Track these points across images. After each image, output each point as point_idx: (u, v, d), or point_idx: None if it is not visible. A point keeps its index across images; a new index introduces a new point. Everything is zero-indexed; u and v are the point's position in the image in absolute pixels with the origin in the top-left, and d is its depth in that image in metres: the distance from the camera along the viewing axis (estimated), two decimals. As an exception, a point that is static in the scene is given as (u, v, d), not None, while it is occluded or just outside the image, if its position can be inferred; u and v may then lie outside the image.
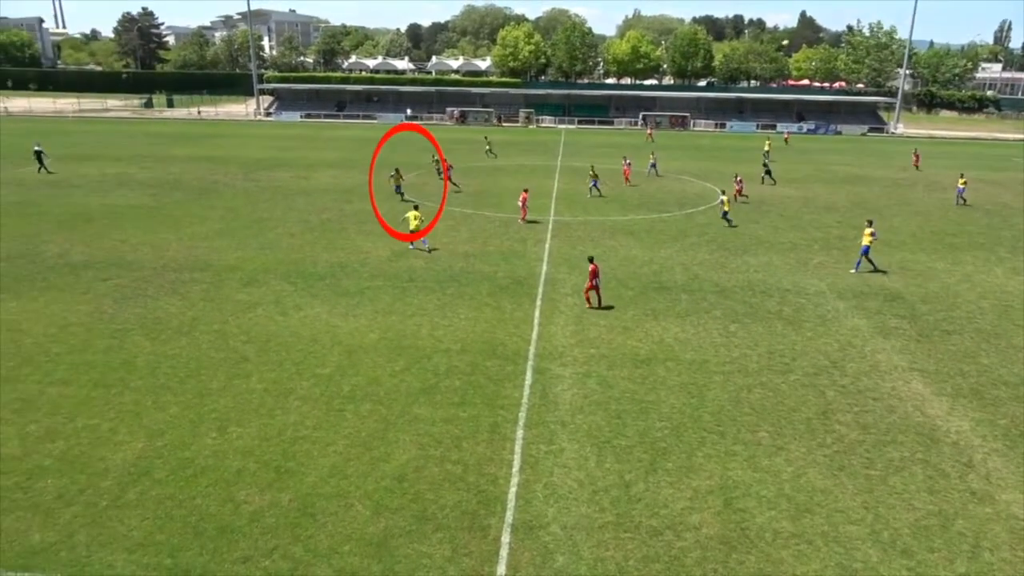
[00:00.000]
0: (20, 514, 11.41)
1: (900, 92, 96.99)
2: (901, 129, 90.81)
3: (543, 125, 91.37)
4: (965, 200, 39.89)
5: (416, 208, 28.47)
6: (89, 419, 14.38)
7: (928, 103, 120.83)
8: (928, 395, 16.26)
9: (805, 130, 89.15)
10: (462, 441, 13.83)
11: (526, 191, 33.25)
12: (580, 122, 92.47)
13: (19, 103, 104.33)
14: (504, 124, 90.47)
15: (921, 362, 18.10)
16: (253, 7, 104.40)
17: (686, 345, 18.81)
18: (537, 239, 29.95)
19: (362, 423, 14.44)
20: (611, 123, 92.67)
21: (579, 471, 12.90)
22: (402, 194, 38.05)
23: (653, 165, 48.64)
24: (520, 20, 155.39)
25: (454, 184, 41.44)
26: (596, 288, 21.34)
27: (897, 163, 58.78)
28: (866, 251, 25.75)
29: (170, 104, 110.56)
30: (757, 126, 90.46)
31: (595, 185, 40.05)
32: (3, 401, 15.07)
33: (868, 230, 25.81)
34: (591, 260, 21.32)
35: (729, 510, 11.88)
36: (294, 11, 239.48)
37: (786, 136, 74.42)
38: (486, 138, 60.54)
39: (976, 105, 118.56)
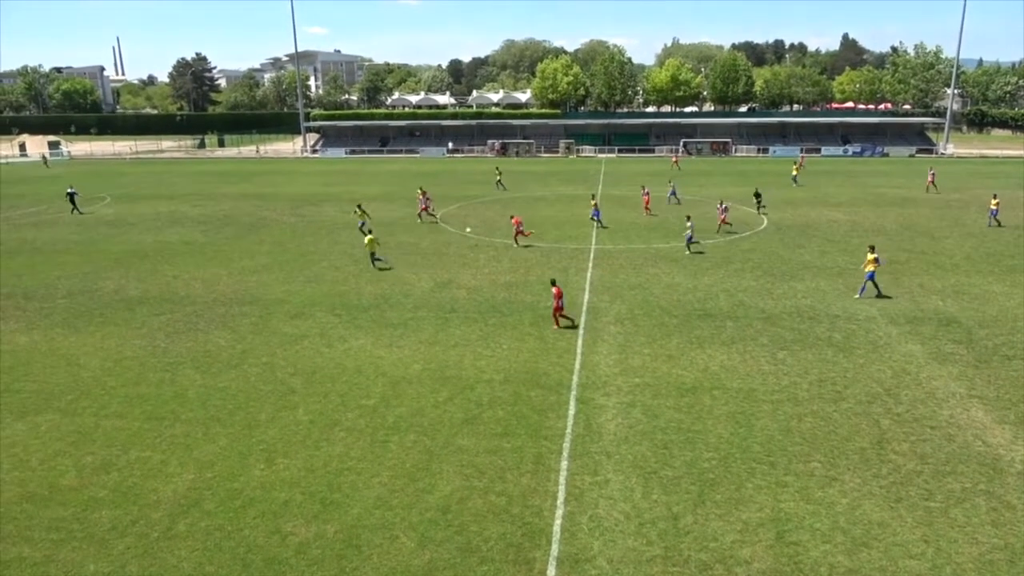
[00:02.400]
0: (76, 545, 11.69)
1: (949, 112, 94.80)
2: (951, 149, 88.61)
3: (583, 155, 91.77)
4: (999, 221, 38.54)
5: (370, 232, 31.25)
6: (142, 451, 14.74)
7: (979, 122, 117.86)
8: (989, 423, 15.61)
9: (850, 152, 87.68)
10: (506, 472, 13.75)
11: (513, 217, 35.13)
12: (620, 151, 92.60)
13: (81, 147, 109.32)
14: (542, 155, 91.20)
15: (980, 389, 17.41)
16: (300, 49, 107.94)
17: (733, 373, 18.46)
18: (579, 268, 29.91)
19: (406, 454, 14.49)
20: (652, 151, 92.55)
21: (625, 503, 12.68)
22: (362, 230, 36.49)
23: (673, 192, 48.16)
24: (559, 52, 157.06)
25: (431, 215, 41.98)
26: (561, 309, 21.91)
27: (948, 184, 57.24)
28: (871, 276, 24.98)
29: (221, 144, 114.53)
30: (801, 150, 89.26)
31: (596, 216, 38.83)
32: (62, 433, 15.57)
33: (871, 256, 24.93)
34: (553, 283, 22.20)
35: (781, 543, 11.52)
36: (339, 51, 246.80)
37: (801, 161, 69.24)
38: (497, 168, 60.88)
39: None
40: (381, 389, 17.68)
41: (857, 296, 25.05)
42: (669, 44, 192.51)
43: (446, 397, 17.16)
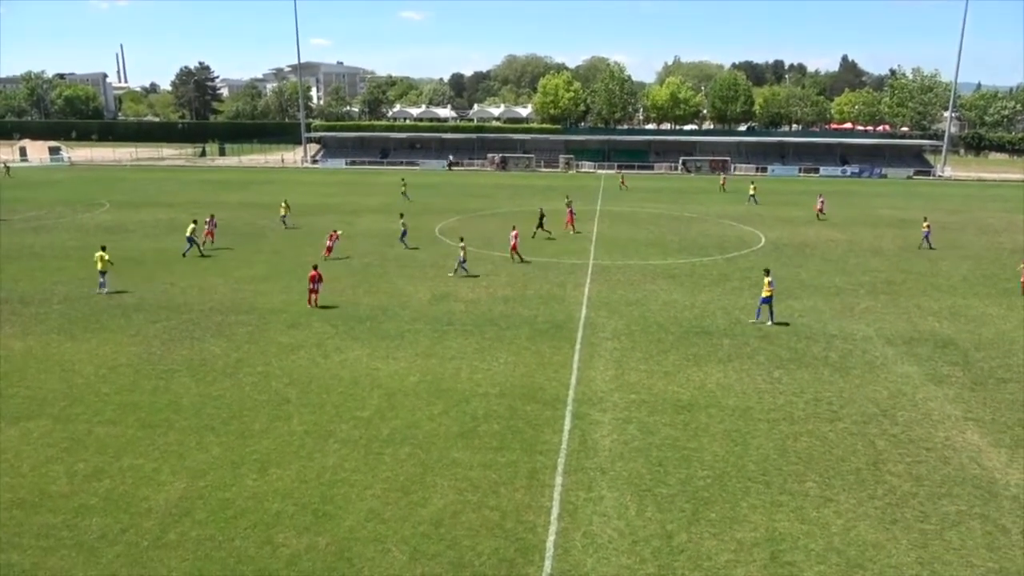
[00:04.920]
0: (64, 552, 11.59)
1: (947, 135, 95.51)
2: (949, 172, 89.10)
3: (583, 171, 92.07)
4: (930, 244, 38.66)
5: (103, 249, 28.27)
6: (134, 459, 14.65)
7: (976, 145, 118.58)
8: (984, 446, 15.59)
9: (848, 173, 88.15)
10: (500, 487, 13.68)
11: (335, 231, 36.35)
12: (620, 167, 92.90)
13: (81, 153, 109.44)
14: (542, 169, 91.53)
15: (976, 411, 17.40)
16: (303, 60, 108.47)
17: (729, 391, 18.43)
18: (576, 283, 29.93)
19: (400, 467, 14.42)
20: (651, 168, 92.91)
21: (619, 520, 12.62)
22: (195, 246, 35.14)
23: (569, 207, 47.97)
24: (560, 69, 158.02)
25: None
26: (315, 291, 25.63)
27: (945, 206, 57.58)
28: (766, 301, 24.02)
29: (222, 153, 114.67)
30: (799, 170, 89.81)
31: (403, 238, 37.94)
32: (54, 440, 15.47)
33: (767, 279, 24.02)
34: (315, 267, 25.98)
35: (775, 564, 11.46)
36: (342, 63, 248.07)
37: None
38: (402, 179, 63.15)
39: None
40: (376, 401, 17.62)
41: (753, 321, 24.32)
42: (670, 62, 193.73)
43: (441, 410, 17.10)
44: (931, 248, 38.39)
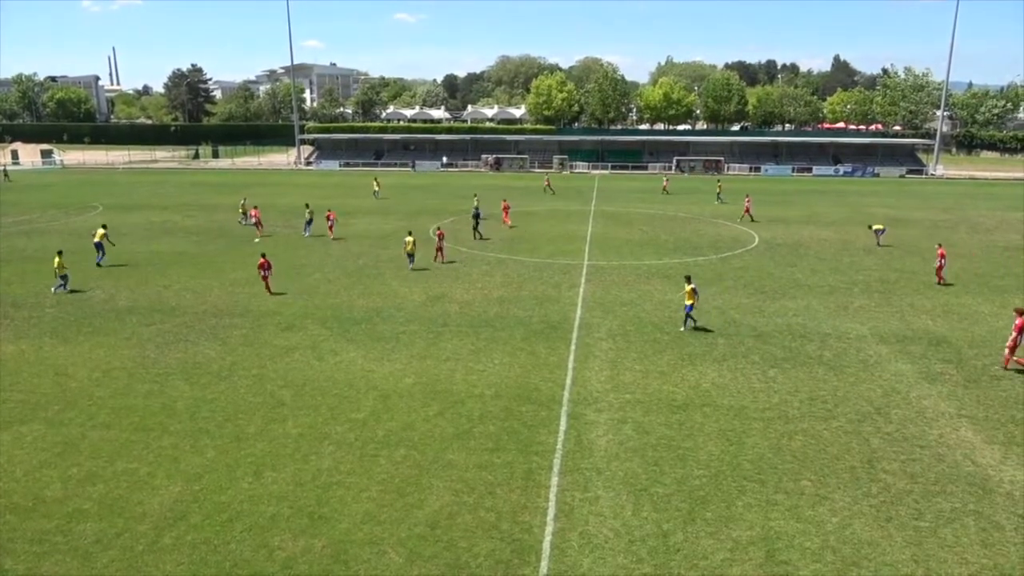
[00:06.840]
0: (59, 558, 11.54)
1: (939, 133, 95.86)
2: (941, 171, 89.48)
3: (576, 171, 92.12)
4: (879, 243, 39.35)
5: (60, 254, 29.04)
6: (129, 463, 14.59)
7: (968, 144, 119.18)
8: (978, 443, 15.65)
9: (841, 172, 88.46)
10: (496, 488, 13.68)
11: (331, 211, 40.63)
12: (613, 167, 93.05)
13: (74, 156, 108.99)
14: (535, 170, 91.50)
15: (970, 408, 17.47)
16: (296, 61, 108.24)
17: (724, 390, 18.47)
18: (571, 284, 29.95)
19: (396, 468, 14.39)
20: (645, 168, 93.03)
21: (615, 520, 12.63)
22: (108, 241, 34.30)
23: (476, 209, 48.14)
24: (553, 69, 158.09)
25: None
26: (266, 279, 27.65)
27: (938, 204, 57.81)
28: (689, 309, 23.17)
29: (215, 155, 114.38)
30: (792, 169, 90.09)
31: (307, 227, 41.76)
32: (47, 444, 15.40)
33: (688, 287, 22.98)
34: (263, 255, 27.90)
35: (771, 562, 11.48)
36: (335, 64, 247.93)
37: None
38: (375, 179, 65.53)
39: (1019, 146, 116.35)
40: (371, 403, 17.59)
41: (682, 329, 23.60)
42: (663, 62, 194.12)
43: (437, 411, 17.09)
44: (878, 246, 39.04)
